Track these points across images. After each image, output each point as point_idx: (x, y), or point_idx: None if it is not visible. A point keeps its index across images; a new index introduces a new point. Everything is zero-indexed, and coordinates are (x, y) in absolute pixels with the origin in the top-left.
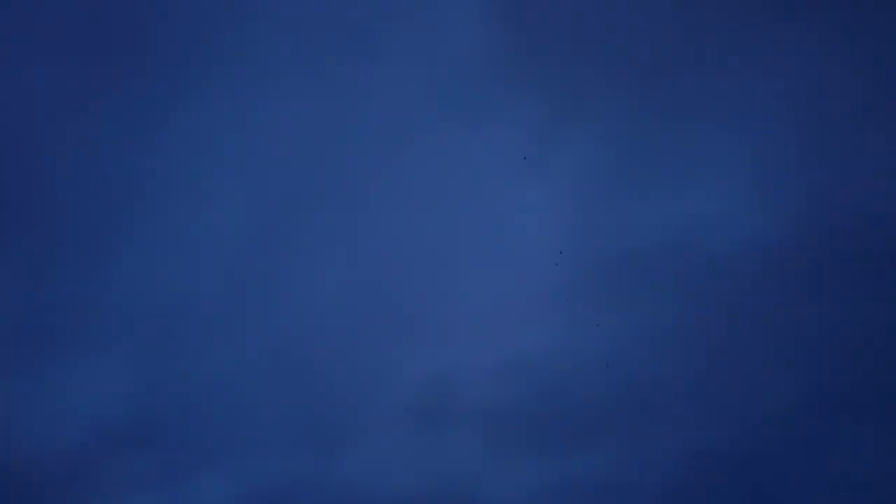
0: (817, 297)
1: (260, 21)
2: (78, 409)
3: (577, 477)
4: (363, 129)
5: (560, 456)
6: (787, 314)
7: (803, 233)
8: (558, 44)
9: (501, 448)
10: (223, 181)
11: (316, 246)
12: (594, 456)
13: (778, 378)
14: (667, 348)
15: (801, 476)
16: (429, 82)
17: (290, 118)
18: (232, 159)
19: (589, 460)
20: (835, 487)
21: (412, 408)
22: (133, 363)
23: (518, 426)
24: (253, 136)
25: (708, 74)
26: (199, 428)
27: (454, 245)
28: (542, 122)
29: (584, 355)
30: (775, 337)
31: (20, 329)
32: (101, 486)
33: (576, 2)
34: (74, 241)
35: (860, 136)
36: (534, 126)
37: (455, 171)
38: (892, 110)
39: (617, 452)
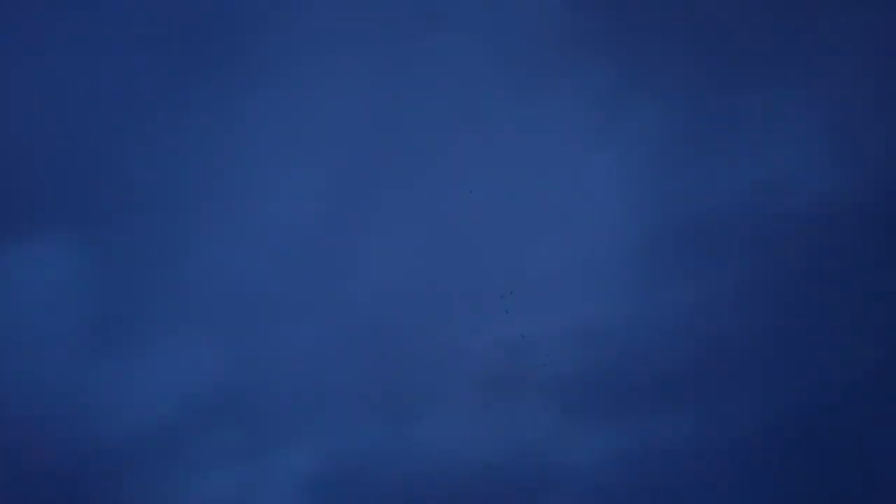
0: None
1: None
2: (167, 389)
3: (654, 442)
4: (429, 102)
5: (636, 422)
6: (867, 274)
7: (882, 188)
8: (622, 8)
9: (575, 415)
10: (294, 163)
11: (386, 221)
12: (671, 421)
13: (860, 341)
14: (743, 312)
15: (887, 443)
16: (494, 52)
17: (356, 96)
18: (301, 142)
19: (665, 426)
20: None
21: (485, 377)
22: (216, 343)
23: (592, 393)
24: (320, 118)
25: (777, 30)
26: (280, 403)
27: (523, 214)
28: (609, 89)
29: (657, 320)
30: (856, 298)
31: (112, 315)
32: (190, 461)
33: None
34: (156, 229)
35: None
36: (601, 93)
37: (522, 141)
38: None
39: (694, 418)
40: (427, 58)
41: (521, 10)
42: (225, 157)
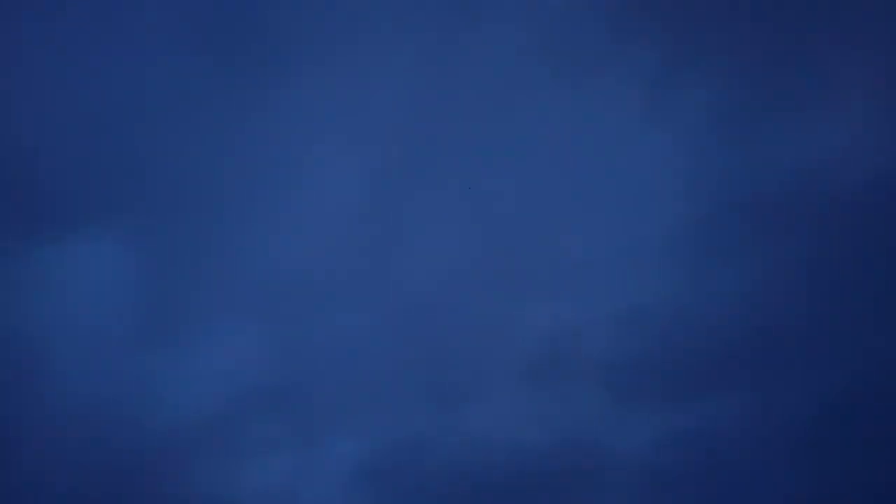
0: None
1: None
2: (217, 379)
3: (706, 426)
4: (473, 87)
5: (688, 405)
6: None
7: None
8: None
9: (626, 399)
10: (337, 151)
11: (431, 208)
12: (723, 403)
13: None
14: (797, 292)
15: None
16: (538, 36)
17: (398, 80)
18: (344, 128)
19: (718, 408)
20: None
21: (534, 361)
22: (265, 332)
23: (643, 376)
24: (362, 103)
25: (830, 5)
26: (329, 391)
27: (572, 196)
28: (657, 70)
29: (709, 302)
30: None
31: (161, 308)
32: (241, 450)
33: None
34: (202, 221)
35: None
36: (648, 74)
37: (571, 123)
38: None
39: (748, 400)
40: (470, 42)
41: None
42: (267, 147)
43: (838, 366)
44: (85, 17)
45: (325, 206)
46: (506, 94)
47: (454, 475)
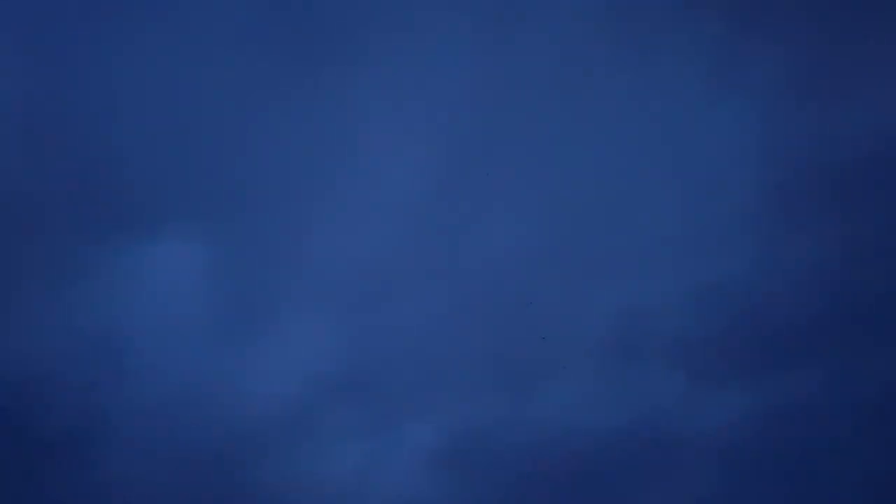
0: None
1: None
2: (294, 367)
3: (782, 403)
4: (537, 67)
5: (763, 382)
6: None
7: None
8: None
9: (701, 378)
10: (405, 138)
11: (499, 192)
12: (800, 379)
13: None
14: (874, 262)
15: None
16: (602, 12)
17: (462, 65)
18: (410, 117)
19: (794, 384)
20: None
21: (606, 342)
22: (337, 322)
23: (717, 354)
24: (427, 90)
25: None
26: (402, 378)
27: (640, 172)
28: (724, 38)
29: (783, 275)
30: None
31: (238, 303)
32: (317, 438)
33: None
34: (273, 216)
35: None
36: (715, 43)
37: (637, 97)
38: None
39: (824, 374)
40: (532, 20)
41: None
42: (333, 141)
43: None
44: (158, 24)
45: (392, 196)
46: (570, 72)
47: (527, 459)
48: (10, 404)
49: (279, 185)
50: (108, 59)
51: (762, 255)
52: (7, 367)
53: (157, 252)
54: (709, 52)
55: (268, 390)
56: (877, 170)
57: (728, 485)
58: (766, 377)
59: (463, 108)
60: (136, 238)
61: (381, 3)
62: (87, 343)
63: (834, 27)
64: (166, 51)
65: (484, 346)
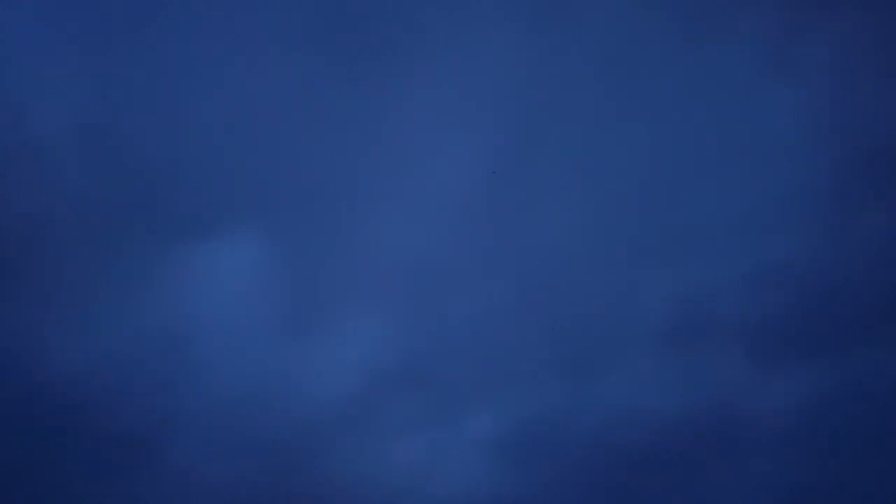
0: None
1: None
2: (354, 361)
3: (851, 384)
4: (594, 54)
5: (831, 364)
6: None
7: None
8: None
9: (766, 359)
10: (455, 135)
11: (551, 178)
12: (865, 359)
13: None
14: None
15: None
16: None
17: (513, 57)
18: (461, 110)
19: (861, 364)
20: None
21: (667, 325)
22: (397, 315)
23: (782, 337)
24: (479, 83)
25: None
26: (462, 368)
27: (702, 157)
28: (781, 20)
29: (850, 254)
30: None
31: (298, 299)
32: (380, 428)
33: None
34: (330, 213)
35: None
36: (774, 23)
37: (695, 82)
38: None
39: (892, 353)
40: (589, 9)
41: None
42: (386, 137)
43: None
44: (213, 32)
45: (445, 189)
46: (626, 59)
47: (591, 446)
48: (85, 404)
49: (334, 182)
50: (163, 67)
51: (824, 236)
52: (82, 369)
53: (218, 253)
54: (766, 33)
55: (329, 385)
56: None
57: (792, 465)
58: (830, 357)
59: (513, 98)
60: (199, 240)
61: (428, 2)
62: (155, 343)
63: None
64: (221, 57)
65: (542, 333)
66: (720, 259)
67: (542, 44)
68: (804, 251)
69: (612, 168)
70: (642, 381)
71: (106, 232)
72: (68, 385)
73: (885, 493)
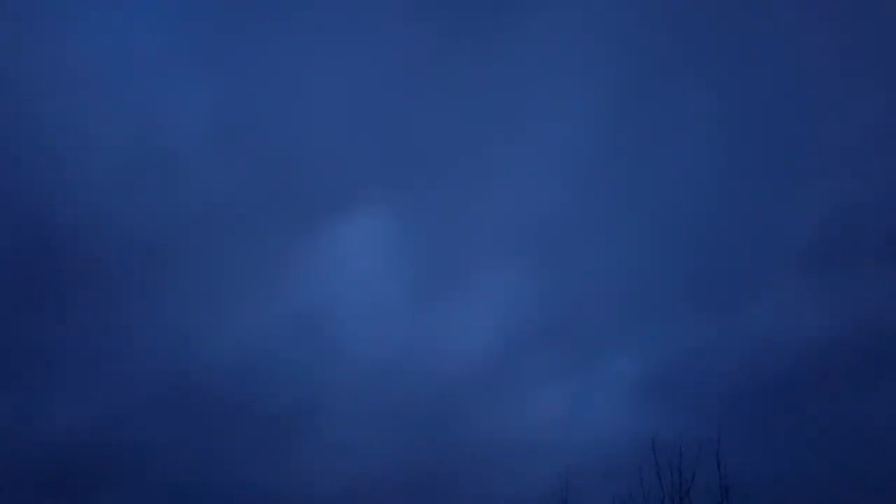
0: None
1: None
2: (490, 320)
3: None
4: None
5: None
6: None
7: None
8: None
9: None
10: (570, 90)
11: (679, 114)
12: None
13: None
14: None
15: None
16: None
17: (624, 19)
18: (575, 68)
19: None
20: None
21: (813, 247)
22: (528, 270)
23: None
24: (595, 43)
25: None
26: (600, 314)
27: (839, 69)
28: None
29: None
30: None
31: (433, 266)
32: (521, 382)
33: None
34: (454, 181)
35: None
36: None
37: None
38: None
39: None
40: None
41: None
42: (502, 107)
43: None
44: (323, 18)
45: (568, 143)
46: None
47: (738, 379)
48: (238, 386)
49: (456, 153)
50: (282, 62)
51: None
52: (232, 354)
53: (351, 231)
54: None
55: (468, 346)
56: None
57: None
58: None
59: (628, 46)
60: (333, 221)
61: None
62: (300, 323)
63: None
64: (336, 42)
65: (678, 271)
66: (868, 172)
67: (652, 10)
68: None
69: (745, 94)
70: (787, 308)
71: (247, 224)
72: (225, 370)
73: None
